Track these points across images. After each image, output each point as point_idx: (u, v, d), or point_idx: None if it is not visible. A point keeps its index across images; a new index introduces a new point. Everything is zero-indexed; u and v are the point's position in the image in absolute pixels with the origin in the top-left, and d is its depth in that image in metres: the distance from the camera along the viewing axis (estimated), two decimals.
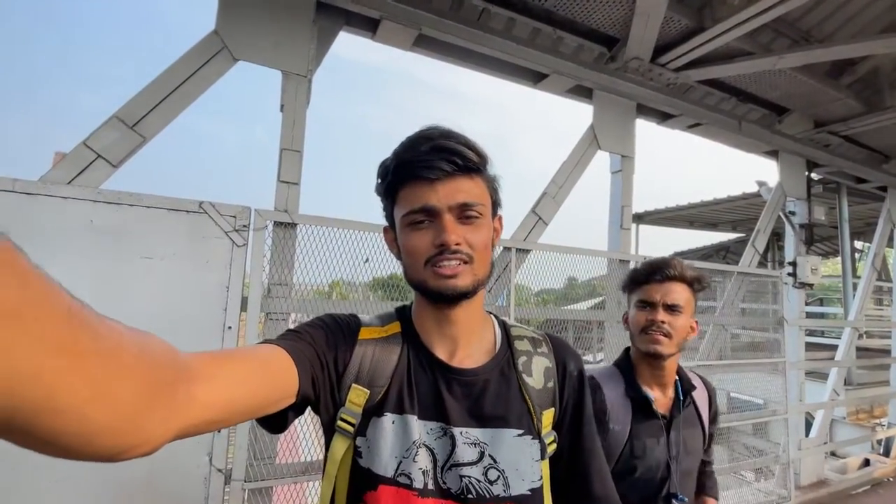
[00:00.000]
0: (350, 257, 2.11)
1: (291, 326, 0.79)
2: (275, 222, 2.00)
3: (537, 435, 0.73)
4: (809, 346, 6.58)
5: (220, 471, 1.77)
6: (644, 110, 3.26)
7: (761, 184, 4.29)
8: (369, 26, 2.40)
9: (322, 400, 0.68)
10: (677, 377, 1.30)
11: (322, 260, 2.07)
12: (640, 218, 8.31)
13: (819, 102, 3.66)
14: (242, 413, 0.55)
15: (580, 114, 3.02)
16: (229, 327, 1.84)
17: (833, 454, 4.73)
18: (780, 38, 3.11)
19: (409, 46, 2.53)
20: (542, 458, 0.73)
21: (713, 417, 1.37)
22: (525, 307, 2.69)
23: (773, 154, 4.02)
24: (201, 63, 1.96)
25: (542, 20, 2.71)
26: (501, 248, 2.53)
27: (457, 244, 0.67)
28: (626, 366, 1.30)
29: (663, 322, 1.21)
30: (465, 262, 0.69)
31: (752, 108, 3.79)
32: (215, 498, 1.76)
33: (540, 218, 2.67)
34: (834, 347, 6.14)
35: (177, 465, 1.71)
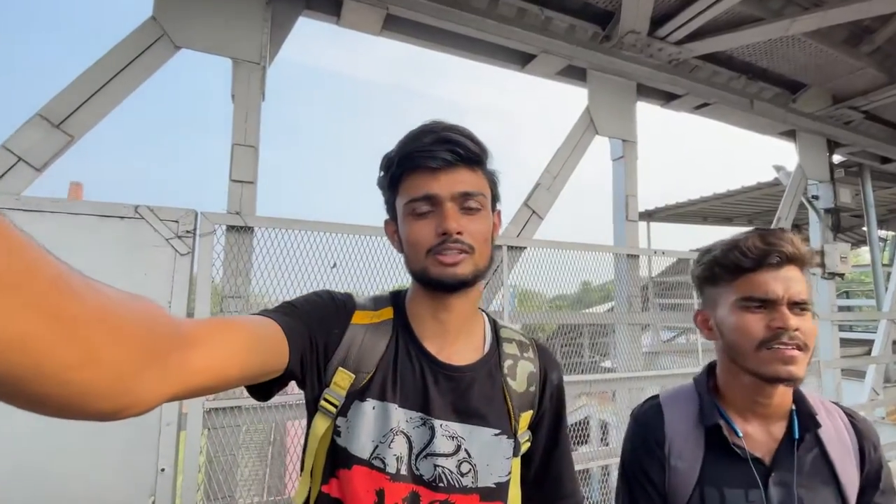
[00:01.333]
0: (316, 263, 1.86)
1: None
2: (226, 226, 1.76)
3: (513, 435, 0.76)
4: (848, 343, 6.19)
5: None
6: (645, 91, 2.98)
7: (779, 168, 3.97)
8: (332, 9, 2.18)
9: (308, 378, 0.70)
10: (793, 407, 0.89)
11: (283, 267, 1.82)
12: (649, 216, 7.97)
13: (837, 74, 3.35)
14: (232, 380, 0.55)
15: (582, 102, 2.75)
16: None
17: None
18: (791, 6, 2.83)
19: (379, 30, 2.30)
20: (515, 455, 0.76)
21: (873, 479, 0.88)
22: (536, 313, 2.42)
23: (789, 135, 3.71)
24: (137, 52, 1.75)
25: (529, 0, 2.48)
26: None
27: (458, 233, 0.69)
28: (705, 384, 0.94)
29: (797, 330, 0.80)
30: (467, 252, 0.70)
31: (765, 86, 3.50)
32: None
33: (534, 212, 2.40)
34: (866, 342, 5.72)
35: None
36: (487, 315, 0.85)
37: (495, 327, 0.84)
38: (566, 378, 1.94)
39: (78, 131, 1.66)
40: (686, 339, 4.34)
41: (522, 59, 2.65)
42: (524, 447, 0.79)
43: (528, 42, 2.50)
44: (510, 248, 2.25)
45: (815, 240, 3.70)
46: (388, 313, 0.78)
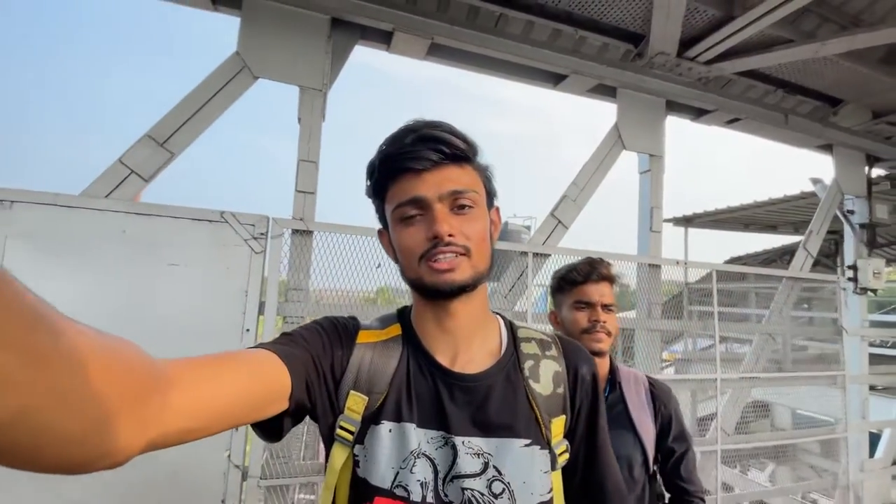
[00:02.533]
0: (363, 263, 2.17)
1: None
2: (292, 230, 2.09)
3: (547, 444, 0.69)
4: (887, 359, 5.99)
5: (237, 467, 1.86)
6: (675, 107, 3.12)
7: (816, 181, 3.97)
8: (384, 39, 2.47)
9: (320, 407, 0.66)
10: (609, 375, 1.32)
11: (337, 265, 2.14)
12: (688, 221, 7.89)
13: (875, 91, 3.35)
14: (225, 420, 0.52)
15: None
16: (247, 330, 1.94)
17: None
18: (826, 24, 2.88)
19: (423, 56, 2.58)
20: (553, 468, 0.68)
21: (665, 428, 1.30)
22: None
23: (826, 149, 3.72)
24: (224, 83, 2.09)
25: (563, 21, 2.67)
26: (518, 252, 2.50)
27: (450, 235, 0.64)
28: None
29: (605, 322, 1.26)
30: (462, 255, 0.66)
31: (803, 99, 3.52)
32: (233, 494, 1.84)
33: (560, 221, 2.62)
34: None
35: (197, 460, 1.80)
36: (503, 317, 0.80)
37: (512, 328, 0.78)
38: None
39: (177, 149, 2.02)
40: (726, 349, 4.40)
41: (554, 79, 2.86)
42: (562, 459, 0.71)
43: (560, 64, 2.70)
44: (535, 255, 2.49)
45: (849, 254, 3.70)
46: (395, 330, 0.74)
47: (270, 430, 0.62)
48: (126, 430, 0.37)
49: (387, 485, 0.63)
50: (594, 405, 0.76)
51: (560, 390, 0.73)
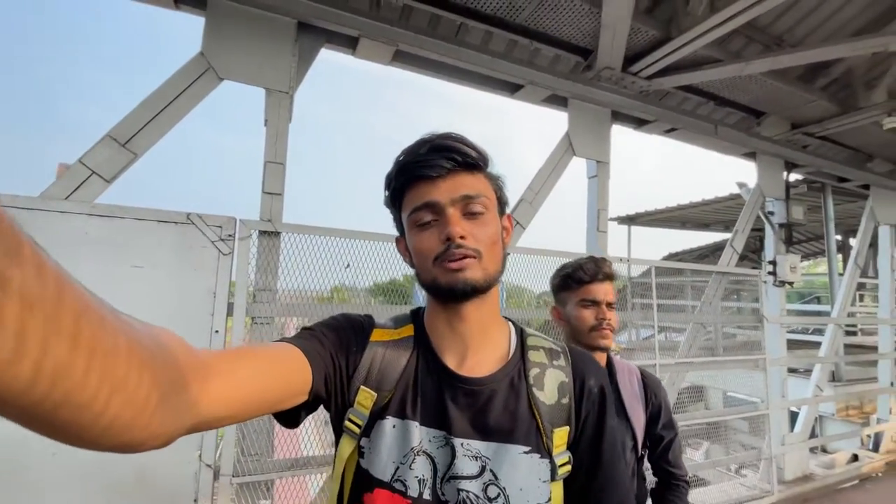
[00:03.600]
0: (332, 263, 2.23)
1: (291, 330, 0.82)
2: (259, 231, 2.12)
3: (548, 454, 0.68)
4: (806, 345, 6.67)
5: (209, 466, 1.88)
6: (620, 117, 3.38)
7: (741, 185, 4.40)
8: (349, 44, 2.54)
9: (333, 399, 0.70)
10: (605, 367, 1.38)
11: (305, 266, 2.19)
12: (632, 219, 8.41)
13: (793, 105, 3.77)
14: (255, 409, 0.56)
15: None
16: (216, 331, 1.96)
17: (823, 450, 4.80)
18: (752, 45, 3.22)
19: (388, 61, 2.66)
20: (553, 479, 0.68)
21: (655, 416, 1.38)
22: (526, 309, 2.84)
23: (751, 156, 4.13)
24: (188, 83, 2.09)
25: (519, 33, 2.83)
26: None
27: (461, 237, 0.67)
28: None
29: (610, 319, 1.32)
30: (473, 258, 0.67)
31: (730, 111, 3.91)
32: (205, 493, 1.87)
33: (517, 222, 2.79)
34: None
35: (168, 461, 1.82)
36: (514, 323, 0.81)
37: (522, 335, 0.78)
38: None
39: (140, 149, 2.00)
40: (665, 337, 4.77)
41: (512, 88, 3.03)
42: (563, 471, 0.70)
43: (516, 74, 2.87)
44: None
45: (769, 251, 4.14)
46: (408, 330, 0.77)
47: (289, 418, 0.67)
48: (170, 416, 0.40)
49: (386, 478, 0.66)
50: (601, 418, 0.74)
51: (565, 401, 0.72)
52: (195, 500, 1.83)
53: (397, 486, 0.66)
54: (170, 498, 1.81)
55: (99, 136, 1.93)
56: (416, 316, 0.80)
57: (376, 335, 0.75)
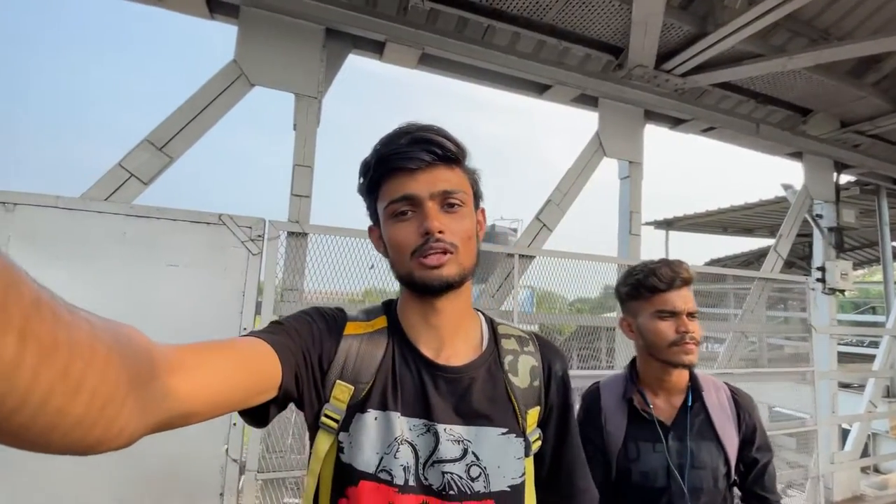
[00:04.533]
0: (357, 264, 2.25)
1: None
2: (287, 232, 2.16)
3: (522, 433, 0.74)
4: (860, 358, 6.24)
5: (235, 461, 1.92)
6: (653, 116, 3.27)
7: (787, 187, 4.17)
8: (376, 48, 2.57)
9: (306, 396, 0.69)
10: (689, 384, 1.23)
11: (331, 267, 2.22)
12: (669, 224, 8.12)
13: (842, 102, 3.55)
14: (221, 405, 0.54)
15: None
16: (245, 329, 2.01)
17: (876, 470, 4.47)
18: (796, 39, 3.06)
19: (415, 65, 2.68)
20: (527, 455, 0.74)
21: (748, 437, 1.21)
22: (554, 314, 2.79)
23: (797, 156, 3.92)
24: (221, 89, 2.16)
25: (546, 33, 2.79)
26: (505, 254, 2.61)
27: (440, 232, 0.68)
28: (630, 371, 1.28)
29: (693, 332, 1.15)
30: (450, 252, 0.69)
31: (774, 109, 3.71)
32: (231, 487, 1.91)
33: (544, 225, 2.74)
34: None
35: (195, 455, 1.86)
36: (483, 314, 0.85)
37: (492, 325, 0.83)
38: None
39: (176, 153, 2.08)
40: (707, 348, 4.57)
41: (540, 89, 2.99)
42: (535, 446, 0.77)
43: (545, 75, 2.83)
44: (521, 256, 2.60)
45: (817, 257, 3.90)
46: (381, 322, 0.77)
47: (257, 416, 0.65)
48: (131, 414, 0.38)
49: (371, 469, 0.67)
50: (565, 399, 0.82)
51: (536, 384, 0.78)
52: (221, 494, 1.87)
53: (383, 476, 0.67)
54: (197, 491, 1.85)
55: (131, 139, 2.03)
56: (389, 308, 0.80)
57: (350, 328, 0.74)
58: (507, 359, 0.78)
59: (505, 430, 0.72)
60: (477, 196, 0.78)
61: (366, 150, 0.76)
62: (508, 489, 0.70)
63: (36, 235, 1.79)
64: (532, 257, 2.65)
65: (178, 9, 2.31)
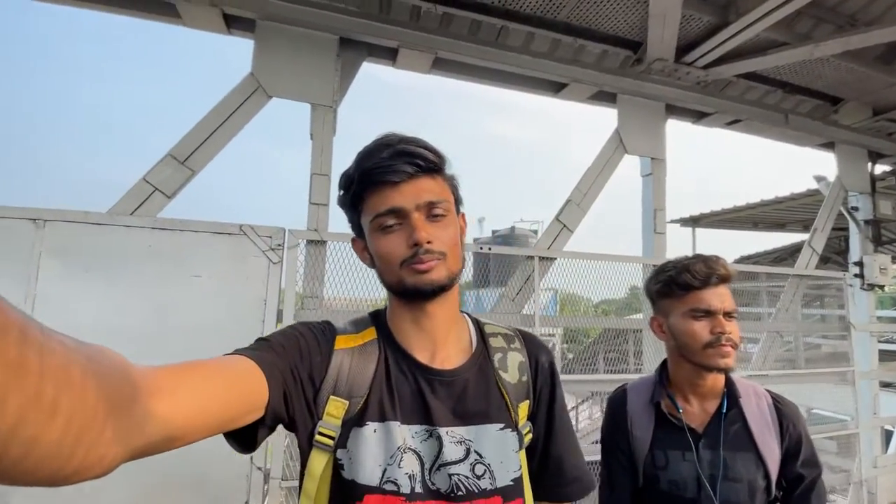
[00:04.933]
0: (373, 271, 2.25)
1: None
2: (307, 241, 2.18)
3: (515, 427, 0.76)
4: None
5: (259, 469, 1.94)
6: (675, 110, 3.19)
7: (820, 178, 4.00)
8: (389, 55, 2.57)
9: (297, 414, 0.67)
10: (725, 389, 1.15)
11: (350, 273, 2.23)
12: (696, 221, 7.91)
13: (873, 89, 3.39)
14: (206, 427, 0.52)
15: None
16: None
17: None
18: (822, 25, 2.93)
19: (428, 70, 2.67)
20: (521, 448, 0.76)
21: (792, 450, 1.11)
22: (578, 317, 2.74)
23: (829, 146, 3.75)
24: (240, 102, 2.20)
25: (561, 31, 2.75)
26: (525, 256, 2.57)
27: (429, 242, 0.69)
28: (661, 374, 1.22)
29: (730, 333, 1.08)
30: (439, 259, 0.71)
31: (803, 98, 3.57)
32: (256, 495, 1.93)
33: (564, 226, 2.69)
34: None
35: (221, 462, 1.89)
36: (469, 316, 0.86)
37: (479, 325, 0.85)
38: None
39: (197, 166, 2.13)
40: (743, 348, 4.42)
41: (555, 88, 2.94)
42: (527, 439, 0.79)
43: (560, 73, 2.79)
44: (541, 258, 2.56)
45: (854, 251, 3.72)
46: (370, 333, 0.77)
47: (244, 439, 0.63)
48: (111, 440, 0.37)
49: (375, 482, 0.66)
50: (552, 390, 0.84)
51: (524, 378, 0.80)
52: (246, 502, 1.89)
53: (388, 487, 0.66)
54: (222, 497, 1.88)
55: (154, 153, 2.08)
56: (377, 318, 0.81)
57: (340, 342, 0.74)
58: (497, 356, 0.80)
59: (501, 425, 0.74)
60: (458, 201, 0.80)
61: None
62: (512, 483, 0.72)
63: (66, 250, 1.85)
64: (553, 259, 2.61)
65: (197, 26, 2.36)
